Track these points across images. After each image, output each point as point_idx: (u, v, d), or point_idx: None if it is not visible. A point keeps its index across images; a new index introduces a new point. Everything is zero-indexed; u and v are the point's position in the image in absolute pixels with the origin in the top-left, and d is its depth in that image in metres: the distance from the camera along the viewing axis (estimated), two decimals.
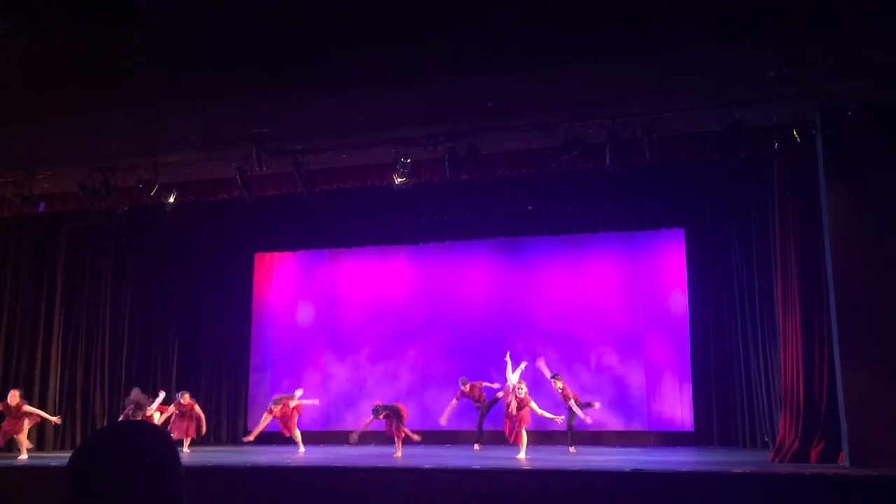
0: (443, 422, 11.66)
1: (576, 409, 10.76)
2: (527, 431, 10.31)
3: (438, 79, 7.38)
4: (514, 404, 10.21)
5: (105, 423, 13.16)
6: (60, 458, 10.11)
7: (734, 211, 12.01)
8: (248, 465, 9.09)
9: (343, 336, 14.57)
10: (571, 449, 10.75)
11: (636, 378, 13.21)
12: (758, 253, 11.19)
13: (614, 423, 13.15)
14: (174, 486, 1.35)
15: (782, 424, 8.80)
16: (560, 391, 11.06)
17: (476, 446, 11.63)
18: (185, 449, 11.64)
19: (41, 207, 10.25)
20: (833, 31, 6.56)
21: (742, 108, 7.66)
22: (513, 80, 7.37)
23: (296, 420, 11.78)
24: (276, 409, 11.53)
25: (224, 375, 14.71)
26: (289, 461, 9.24)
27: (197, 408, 11.98)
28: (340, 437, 13.09)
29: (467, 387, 11.98)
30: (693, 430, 12.64)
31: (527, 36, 6.94)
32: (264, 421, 11.66)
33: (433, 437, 12.19)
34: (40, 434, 12.13)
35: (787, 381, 8.74)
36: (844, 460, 7.69)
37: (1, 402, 10.40)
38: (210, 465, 8.75)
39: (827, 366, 8.25)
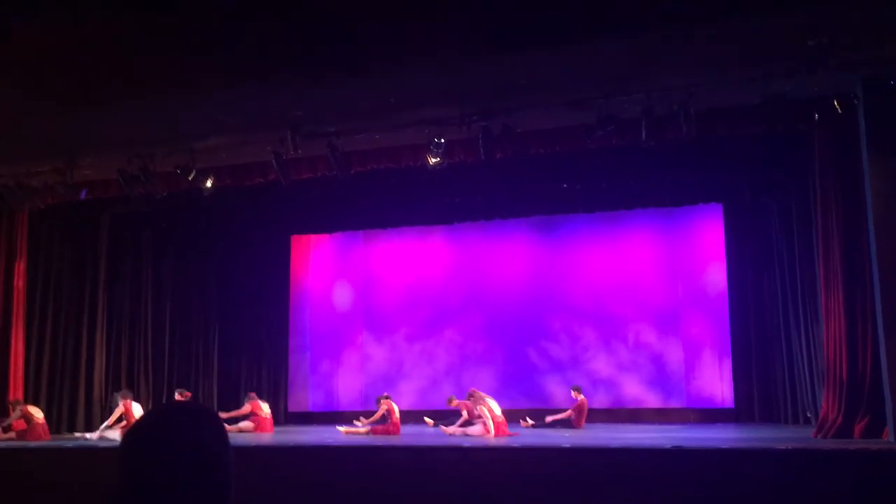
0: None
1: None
2: None
3: (471, 57, 7.34)
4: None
5: (149, 405, 13.44)
6: (108, 439, 10.34)
7: (773, 185, 11.81)
8: (290, 444, 9.22)
9: (380, 317, 14.66)
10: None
11: (675, 355, 13.12)
12: (798, 228, 11.01)
13: (653, 401, 13.10)
14: (224, 467, 1.37)
15: (825, 400, 8.69)
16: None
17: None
18: None
19: (83, 195, 10.45)
20: None
21: (781, 80, 7.52)
22: (546, 57, 7.31)
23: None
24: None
25: (264, 357, 14.90)
26: (329, 440, 9.36)
27: None
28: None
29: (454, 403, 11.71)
30: (734, 406, 12.54)
31: (559, 12, 6.87)
32: None
33: None
34: (87, 416, 12.43)
35: (830, 356, 8.62)
36: (889, 435, 7.58)
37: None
38: (251, 445, 8.89)
39: (871, 341, 8.11)
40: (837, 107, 7.77)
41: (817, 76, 7.31)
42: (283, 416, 14.33)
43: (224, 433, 1.41)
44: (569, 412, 11.37)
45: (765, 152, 10.90)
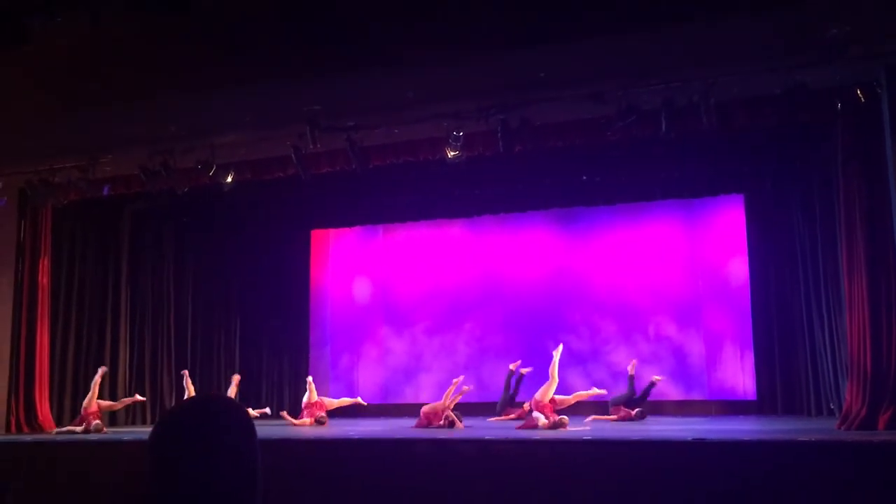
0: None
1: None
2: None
3: (489, 51, 7.33)
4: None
5: (173, 399, 13.57)
6: (133, 432, 10.46)
7: (795, 175, 11.70)
8: (313, 437, 9.28)
9: (400, 310, 14.70)
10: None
11: (696, 347, 13.06)
12: (821, 218, 10.91)
13: (674, 393, 13.04)
14: (252, 459, 1.39)
15: (849, 391, 8.62)
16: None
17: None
18: None
19: (105, 191, 10.55)
20: None
21: (803, 70, 7.45)
22: (564, 50, 7.29)
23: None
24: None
25: (285, 351, 14.99)
26: (352, 433, 9.41)
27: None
28: (399, 410, 13.28)
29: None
30: (756, 398, 12.46)
31: (577, 4, 6.84)
32: None
33: (489, 409, 12.20)
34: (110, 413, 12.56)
35: (854, 347, 8.54)
36: None
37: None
38: (274, 438, 8.95)
39: (895, 331, 8.04)
40: (860, 95, 7.68)
41: (839, 65, 7.24)
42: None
43: (252, 426, 1.43)
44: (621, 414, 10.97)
45: (786, 142, 10.80)
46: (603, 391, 10.75)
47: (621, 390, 11.63)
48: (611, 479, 7.19)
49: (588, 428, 9.54)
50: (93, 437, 9.95)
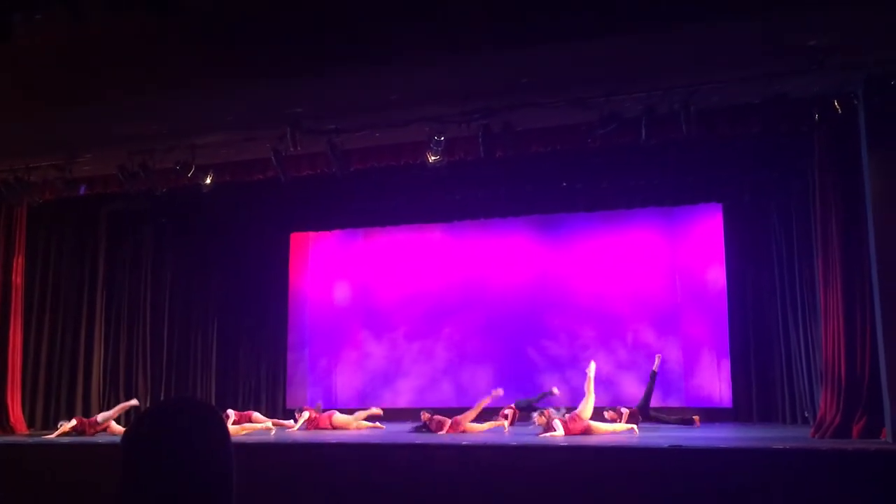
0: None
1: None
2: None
3: (472, 55, 7.33)
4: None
5: (148, 401, 13.44)
6: (106, 435, 10.35)
7: (773, 185, 11.81)
8: (289, 441, 9.23)
9: (379, 314, 14.66)
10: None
11: (673, 354, 13.12)
12: (798, 227, 11.03)
13: (651, 400, 13.07)
14: (224, 463, 1.37)
15: (823, 400, 8.70)
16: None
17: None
18: None
19: (82, 190, 10.45)
20: None
21: (782, 80, 7.52)
22: (547, 55, 7.30)
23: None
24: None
25: (263, 354, 14.89)
26: (330, 438, 9.37)
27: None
28: (377, 415, 13.21)
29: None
30: (732, 406, 12.53)
31: (561, 8, 6.86)
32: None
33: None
34: (85, 411, 12.42)
35: (829, 356, 8.63)
36: (887, 436, 7.59)
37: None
38: (250, 442, 8.90)
39: (869, 340, 8.12)
40: (838, 107, 7.76)
41: (819, 75, 7.31)
42: (281, 413, 14.32)
43: (225, 429, 1.42)
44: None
45: (765, 152, 10.90)
46: (631, 428, 10.04)
47: (599, 396, 11.64)
48: (586, 485, 7.20)
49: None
50: (65, 439, 9.84)
